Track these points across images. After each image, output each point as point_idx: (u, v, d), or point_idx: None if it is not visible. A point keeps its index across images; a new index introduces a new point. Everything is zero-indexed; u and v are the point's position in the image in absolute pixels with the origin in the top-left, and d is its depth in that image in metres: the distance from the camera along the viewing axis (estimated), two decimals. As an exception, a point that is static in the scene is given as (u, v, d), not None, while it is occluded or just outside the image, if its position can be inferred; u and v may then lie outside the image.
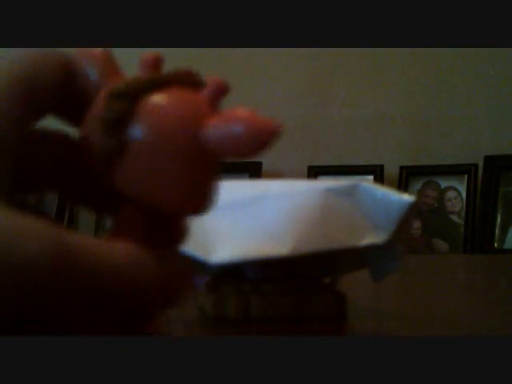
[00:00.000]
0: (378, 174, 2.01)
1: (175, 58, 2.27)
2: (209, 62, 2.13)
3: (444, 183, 2.00)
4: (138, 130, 0.28)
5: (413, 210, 0.43)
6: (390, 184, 2.01)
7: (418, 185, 2.01)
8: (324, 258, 0.45)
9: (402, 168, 2.02)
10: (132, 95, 0.29)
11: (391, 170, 2.02)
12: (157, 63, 0.33)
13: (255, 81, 2.13)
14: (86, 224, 2.11)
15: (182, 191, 0.29)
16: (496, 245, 1.90)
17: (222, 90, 0.34)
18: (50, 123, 0.33)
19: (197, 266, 0.45)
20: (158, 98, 0.29)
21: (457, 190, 1.98)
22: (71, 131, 0.35)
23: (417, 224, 1.99)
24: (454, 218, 1.97)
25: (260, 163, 2.06)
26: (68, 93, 0.31)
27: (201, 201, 0.31)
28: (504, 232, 1.90)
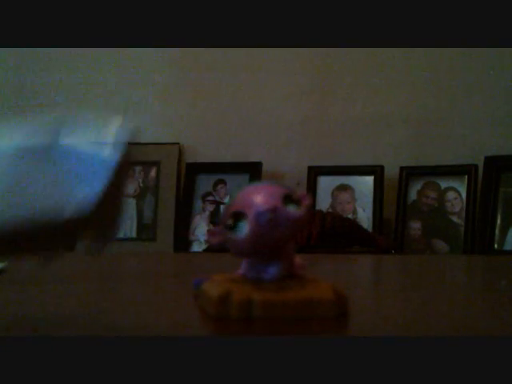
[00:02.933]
0: (378, 174, 2.01)
1: (177, 58, 2.26)
2: (210, 62, 2.13)
3: (444, 184, 2.00)
4: None
5: (125, 164, 0.37)
6: (391, 185, 2.01)
7: (418, 185, 2.01)
8: (31, 233, 0.38)
9: (402, 169, 2.02)
10: None
11: (391, 171, 2.02)
12: None
13: (256, 81, 2.13)
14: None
15: None
16: (496, 246, 1.90)
17: None
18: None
19: None
20: None
21: (457, 191, 1.98)
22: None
23: (417, 224, 1.99)
24: (454, 218, 1.97)
25: (260, 164, 2.06)
26: None
27: None
28: (504, 233, 1.90)
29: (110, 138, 0.37)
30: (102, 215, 0.38)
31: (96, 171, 0.37)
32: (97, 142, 0.37)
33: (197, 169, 2.12)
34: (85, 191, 0.37)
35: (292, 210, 0.45)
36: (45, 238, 0.39)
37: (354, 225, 1.86)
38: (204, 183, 2.11)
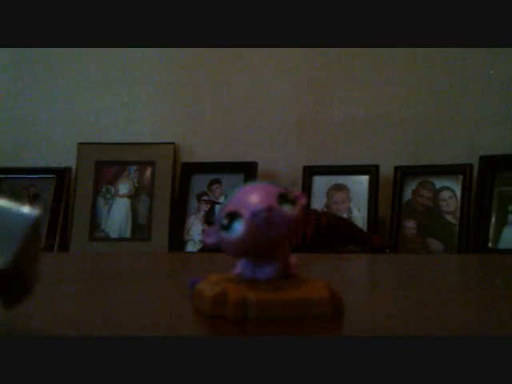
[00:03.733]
0: (373, 174, 2.01)
1: (172, 58, 2.26)
2: (205, 62, 2.13)
3: (439, 183, 2.00)
4: None
5: (38, 226, 0.37)
6: (386, 184, 2.02)
7: (413, 185, 2.01)
8: None
9: (397, 168, 2.02)
10: None
11: (386, 170, 2.02)
12: None
13: (252, 81, 2.13)
14: (81, 223, 2.11)
15: None
16: (490, 245, 1.90)
17: None
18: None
19: None
20: None
21: (452, 190, 1.98)
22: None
23: (412, 224, 1.99)
24: (449, 218, 1.97)
25: (256, 163, 2.06)
26: None
27: None
28: (498, 232, 1.91)
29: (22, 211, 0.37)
30: (17, 270, 0.37)
31: (14, 225, 0.36)
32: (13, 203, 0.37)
33: (192, 168, 2.12)
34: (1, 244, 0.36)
35: (287, 209, 0.45)
36: None
37: (349, 224, 1.86)
38: (199, 183, 2.11)
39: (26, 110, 2.22)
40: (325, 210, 2.02)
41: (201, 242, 2.01)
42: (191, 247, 2.06)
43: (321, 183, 2.06)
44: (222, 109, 2.14)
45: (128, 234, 2.12)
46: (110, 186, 2.15)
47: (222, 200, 2.07)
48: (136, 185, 2.15)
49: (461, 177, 1.96)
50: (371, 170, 2.02)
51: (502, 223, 1.91)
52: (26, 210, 0.37)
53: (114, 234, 2.12)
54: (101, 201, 2.14)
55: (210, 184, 2.11)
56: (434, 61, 2.05)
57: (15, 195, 2.16)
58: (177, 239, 2.07)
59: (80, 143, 2.16)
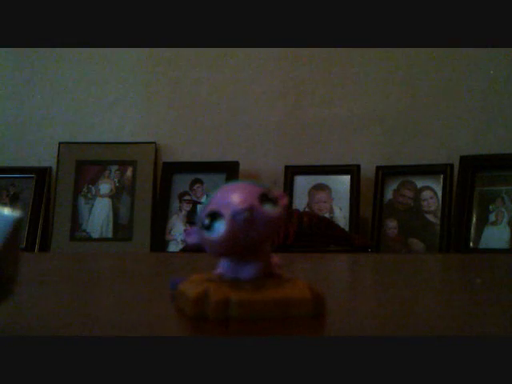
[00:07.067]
0: (354, 173, 2.02)
1: (153, 58, 2.25)
2: (186, 62, 2.13)
3: (420, 183, 2.01)
4: None
5: (19, 228, 0.37)
6: (367, 184, 2.02)
7: (394, 184, 2.02)
8: None
9: (378, 168, 2.03)
10: None
11: (368, 170, 2.03)
12: None
13: (233, 81, 2.13)
14: (62, 223, 2.10)
15: None
16: (471, 244, 1.91)
17: None
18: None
19: None
20: None
21: (433, 190, 1.99)
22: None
23: (393, 223, 2.00)
24: (430, 217, 1.98)
25: (237, 163, 2.06)
26: None
27: None
28: (479, 232, 1.92)
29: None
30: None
31: None
32: None
33: (173, 168, 2.12)
34: None
35: (269, 209, 0.44)
36: None
37: (330, 224, 1.86)
38: (181, 183, 2.11)
39: (6, 109, 2.21)
40: (306, 209, 2.02)
41: (182, 241, 2.01)
42: (173, 247, 2.05)
43: (302, 183, 2.07)
44: (203, 108, 2.13)
45: (109, 234, 2.11)
46: (90, 186, 2.14)
47: (203, 200, 2.06)
48: (117, 184, 2.14)
49: (442, 177, 1.97)
50: (352, 170, 2.02)
51: (482, 223, 1.92)
52: (6, 211, 0.37)
53: (95, 234, 2.11)
54: (82, 201, 2.13)
55: (192, 184, 2.10)
56: (415, 61, 2.05)
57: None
58: (158, 239, 2.06)
59: (61, 142, 2.15)
